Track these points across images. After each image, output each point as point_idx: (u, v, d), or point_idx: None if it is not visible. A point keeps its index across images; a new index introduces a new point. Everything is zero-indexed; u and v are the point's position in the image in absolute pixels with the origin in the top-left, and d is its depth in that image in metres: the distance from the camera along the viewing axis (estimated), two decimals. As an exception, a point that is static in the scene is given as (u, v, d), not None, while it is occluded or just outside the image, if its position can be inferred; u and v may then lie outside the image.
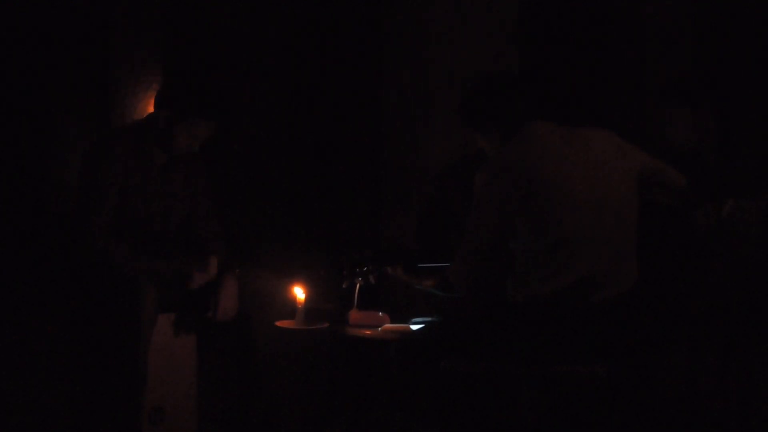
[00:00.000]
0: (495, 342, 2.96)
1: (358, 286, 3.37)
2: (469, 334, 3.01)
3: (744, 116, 3.72)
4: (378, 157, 4.62)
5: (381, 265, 3.33)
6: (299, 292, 3.38)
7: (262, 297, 3.50)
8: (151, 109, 3.84)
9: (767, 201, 3.09)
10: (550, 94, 3.24)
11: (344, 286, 3.39)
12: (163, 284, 3.33)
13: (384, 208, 4.60)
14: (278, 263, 3.72)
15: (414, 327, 3.35)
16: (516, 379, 3.01)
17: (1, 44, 3.97)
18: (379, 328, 3.37)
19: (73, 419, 3.35)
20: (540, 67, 4.77)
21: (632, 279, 2.99)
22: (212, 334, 3.49)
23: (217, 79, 3.36)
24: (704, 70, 4.91)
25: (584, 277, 2.90)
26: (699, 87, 3.57)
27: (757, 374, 3.30)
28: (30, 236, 3.98)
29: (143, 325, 3.22)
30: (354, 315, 3.40)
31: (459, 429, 3.01)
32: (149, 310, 3.24)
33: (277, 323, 3.40)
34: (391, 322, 3.42)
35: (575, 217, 2.90)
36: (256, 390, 3.49)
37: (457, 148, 4.11)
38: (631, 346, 3.03)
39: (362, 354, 3.56)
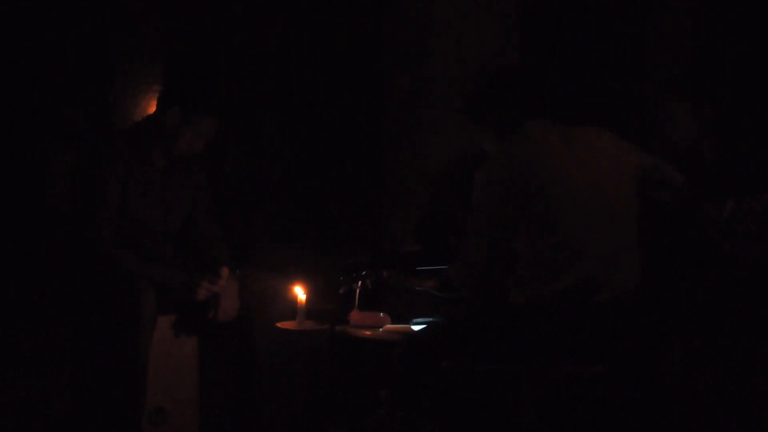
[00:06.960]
0: (497, 342, 2.96)
1: (357, 290, 3.38)
2: (471, 334, 3.01)
3: (744, 116, 3.71)
4: (378, 158, 4.62)
5: (378, 270, 3.33)
6: (300, 293, 3.38)
7: (262, 298, 3.49)
8: (151, 109, 3.84)
9: (767, 201, 3.09)
10: (551, 93, 3.23)
11: (342, 291, 3.41)
12: (165, 289, 3.32)
13: (383, 209, 4.59)
14: (279, 264, 3.71)
15: (415, 327, 3.34)
16: (518, 379, 3.01)
17: (1, 44, 3.97)
18: (380, 329, 3.37)
19: (74, 419, 3.34)
20: (540, 65, 4.77)
21: (635, 279, 2.99)
22: (213, 335, 3.49)
23: (220, 77, 3.36)
24: (704, 69, 4.91)
25: (586, 277, 2.90)
26: (699, 84, 3.57)
27: (757, 374, 3.29)
28: (30, 237, 3.98)
29: (144, 325, 3.22)
30: (355, 316, 3.40)
31: (460, 430, 3.01)
32: (150, 311, 3.23)
33: (278, 324, 3.39)
34: (393, 323, 3.42)
35: (576, 218, 2.90)
36: (257, 390, 3.49)
37: (456, 149, 4.11)
38: (632, 347, 3.03)
39: (363, 355, 3.55)
